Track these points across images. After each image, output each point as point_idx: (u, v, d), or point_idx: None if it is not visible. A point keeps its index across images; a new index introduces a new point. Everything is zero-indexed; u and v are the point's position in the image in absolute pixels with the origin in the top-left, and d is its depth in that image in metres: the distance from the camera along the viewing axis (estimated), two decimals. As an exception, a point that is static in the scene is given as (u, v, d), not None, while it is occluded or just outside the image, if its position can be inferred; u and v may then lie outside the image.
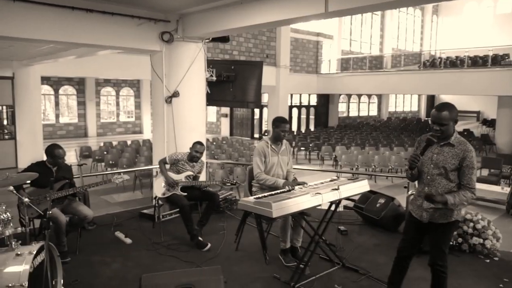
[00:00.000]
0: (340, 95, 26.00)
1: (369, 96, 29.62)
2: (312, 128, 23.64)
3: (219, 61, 8.62)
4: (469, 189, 3.00)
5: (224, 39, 6.57)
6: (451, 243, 4.63)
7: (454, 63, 20.95)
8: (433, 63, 23.12)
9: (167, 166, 5.19)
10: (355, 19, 26.47)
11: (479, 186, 8.46)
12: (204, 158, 6.47)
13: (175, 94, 6.11)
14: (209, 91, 6.63)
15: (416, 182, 3.40)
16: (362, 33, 27.29)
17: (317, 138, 17.12)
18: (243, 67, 7.01)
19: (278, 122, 4.47)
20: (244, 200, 3.84)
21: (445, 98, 33.81)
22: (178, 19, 5.99)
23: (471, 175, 3.00)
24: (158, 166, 5.31)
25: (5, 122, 13.00)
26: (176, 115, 6.19)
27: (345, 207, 6.28)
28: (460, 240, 4.65)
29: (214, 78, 6.79)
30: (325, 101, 25.16)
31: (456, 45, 25.72)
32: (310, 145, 15.21)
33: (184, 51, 6.13)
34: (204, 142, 6.75)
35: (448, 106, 3.03)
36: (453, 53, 22.77)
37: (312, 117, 24.97)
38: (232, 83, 6.95)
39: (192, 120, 6.32)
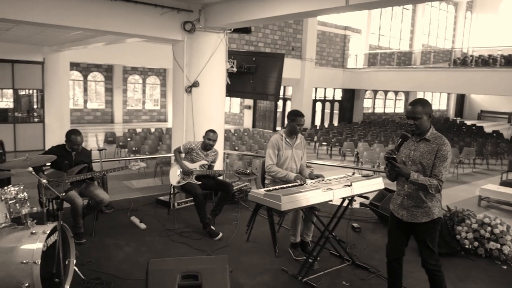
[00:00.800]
0: (366, 90, 25.61)
1: (396, 92, 29.05)
2: (335, 123, 23.40)
3: (240, 52, 8.62)
4: (436, 179, 2.95)
5: (246, 30, 6.55)
6: (466, 246, 4.54)
7: (486, 61, 20.25)
8: (464, 61, 22.44)
9: (182, 156, 5.25)
10: (385, 13, 25.91)
11: (505, 190, 8.32)
12: (221, 147, 6.54)
13: (195, 84, 6.16)
14: (229, 82, 6.64)
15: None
16: (392, 28, 26.69)
17: (339, 133, 16.94)
18: (265, 59, 6.98)
19: (294, 115, 4.44)
20: (254, 192, 3.85)
21: (475, 97, 32.86)
22: (200, 9, 6.01)
23: (441, 167, 2.95)
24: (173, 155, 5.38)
25: (34, 106, 13.45)
26: (196, 105, 6.25)
27: (361, 204, 6.22)
28: (476, 244, 4.53)
29: (235, 69, 6.79)
30: (351, 96, 24.83)
31: (490, 43, 24.83)
32: (332, 140, 15.07)
33: (206, 41, 6.15)
34: (222, 133, 6.81)
35: (422, 101, 3.07)
36: (486, 52, 22.01)
37: (336, 112, 24.71)
38: (253, 75, 6.93)
39: (211, 110, 6.36)
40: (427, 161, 2.99)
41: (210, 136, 5.13)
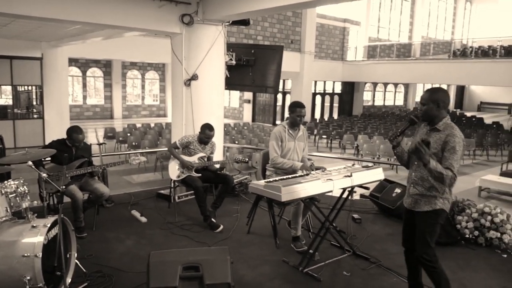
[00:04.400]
0: (365, 83, 25.56)
1: (396, 85, 28.99)
2: (335, 116, 23.37)
3: (239, 45, 8.58)
4: (450, 170, 2.81)
5: (245, 22, 6.50)
6: (466, 236, 4.55)
7: (486, 52, 20.20)
8: (464, 52, 22.36)
9: (179, 150, 5.21)
10: (384, 5, 25.79)
11: (505, 180, 8.32)
12: (220, 140, 6.53)
13: (194, 77, 6.13)
14: (228, 75, 6.61)
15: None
16: (391, 19, 26.57)
17: (339, 126, 16.93)
18: (263, 52, 6.95)
19: (294, 107, 4.44)
20: (255, 184, 3.85)
21: (475, 89, 32.82)
22: (198, 1, 5.96)
23: (452, 159, 2.82)
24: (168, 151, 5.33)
25: (34, 102, 13.42)
26: (195, 98, 6.22)
27: (361, 195, 6.23)
28: (476, 233, 4.54)
29: (234, 62, 6.76)
30: (350, 89, 24.79)
31: (490, 34, 24.71)
32: (332, 133, 15.06)
33: (204, 34, 6.11)
34: (222, 126, 6.80)
35: (433, 89, 3.03)
36: (485, 42, 21.92)
37: (336, 105, 24.68)
38: (252, 68, 6.90)
39: (210, 103, 6.34)
40: (433, 151, 2.89)
41: (206, 134, 5.09)
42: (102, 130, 13.70)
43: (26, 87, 13.23)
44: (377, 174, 4.23)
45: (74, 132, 4.53)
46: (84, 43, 11.57)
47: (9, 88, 12.79)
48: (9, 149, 9.64)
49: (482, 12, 30.62)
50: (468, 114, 25.11)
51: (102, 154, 5.97)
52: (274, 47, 7.61)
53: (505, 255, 4.36)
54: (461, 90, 33.90)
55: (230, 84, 6.90)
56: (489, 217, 4.55)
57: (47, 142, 12.55)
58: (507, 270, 4.04)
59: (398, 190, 5.45)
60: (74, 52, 13.52)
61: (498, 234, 4.47)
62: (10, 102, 12.85)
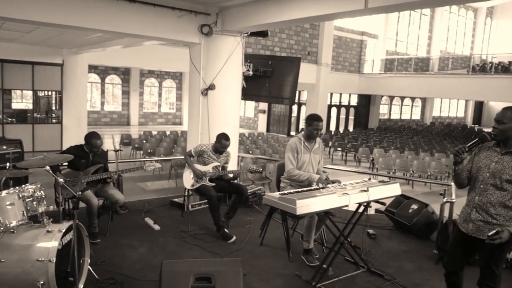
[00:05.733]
0: (382, 96, 25.38)
1: (413, 99, 28.72)
2: (351, 128, 23.22)
3: (256, 56, 8.62)
4: None
5: (263, 34, 6.53)
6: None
7: (506, 68, 19.86)
8: (483, 68, 22.02)
9: (193, 159, 5.24)
10: (402, 19, 25.69)
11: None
12: (235, 150, 6.52)
13: (211, 87, 6.16)
14: (245, 85, 6.64)
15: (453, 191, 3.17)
16: (409, 33, 26.42)
17: (355, 139, 16.79)
18: (281, 63, 6.97)
19: (311, 120, 4.41)
20: (269, 196, 3.82)
21: (494, 105, 32.24)
22: (218, 12, 6.03)
23: None
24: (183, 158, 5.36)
25: (53, 107, 13.68)
26: (211, 108, 6.25)
27: (377, 210, 6.13)
28: (496, 253, 4.40)
29: (251, 73, 6.79)
30: (366, 102, 24.64)
31: (510, 49, 24.34)
32: (347, 146, 14.94)
33: (223, 44, 6.16)
34: (237, 136, 6.80)
35: None
36: (506, 58, 21.58)
37: (351, 117, 24.54)
38: (269, 79, 6.92)
39: (226, 113, 6.35)
40: (507, 177, 2.69)
41: (222, 144, 5.12)
42: (119, 136, 13.85)
43: (46, 92, 13.50)
44: (394, 190, 4.16)
45: (92, 137, 4.58)
46: (104, 51, 11.79)
47: (30, 93, 13.07)
48: (27, 152, 9.82)
49: (503, 27, 30.17)
50: (487, 130, 24.67)
51: (118, 161, 6.02)
52: (291, 58, 7.62)
53: (526, 278, 4.22)
54: (479, 105, 33.40)
55: (247, 94, 6.93)
56: (509, 237, 4.40)
57: (64, 147, 12.73)
58: (528, 294, 3.90)
59: (414, 206, 5.34)
60: (94, 59, 13.77)
61: (519, 256, 4.32)
62: (30, 106, 13.13)
